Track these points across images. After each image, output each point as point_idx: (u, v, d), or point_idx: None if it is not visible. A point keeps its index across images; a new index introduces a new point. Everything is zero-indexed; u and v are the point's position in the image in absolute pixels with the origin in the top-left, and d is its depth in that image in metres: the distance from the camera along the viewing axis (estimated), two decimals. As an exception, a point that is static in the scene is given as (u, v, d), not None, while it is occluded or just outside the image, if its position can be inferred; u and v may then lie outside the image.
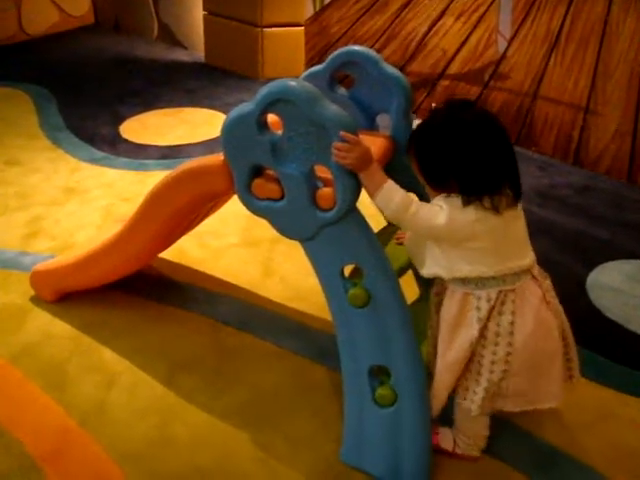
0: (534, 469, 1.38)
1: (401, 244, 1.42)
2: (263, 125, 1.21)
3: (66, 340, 1.73)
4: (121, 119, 3.31)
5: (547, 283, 1.27)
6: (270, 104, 1.17)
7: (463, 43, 3.10)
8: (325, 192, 1.21)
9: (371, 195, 1.20)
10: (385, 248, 1.35)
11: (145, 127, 3.19)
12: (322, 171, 1.20)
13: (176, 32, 4.44)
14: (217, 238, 2.21)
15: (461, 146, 1.14)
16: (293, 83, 1.16)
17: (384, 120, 1.56)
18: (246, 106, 1.20)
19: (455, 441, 1.38)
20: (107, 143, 3.08)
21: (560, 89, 2.87)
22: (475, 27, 3.01)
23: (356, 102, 1.58)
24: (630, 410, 1.55)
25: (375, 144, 1.36)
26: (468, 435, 1.36)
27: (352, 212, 1.21)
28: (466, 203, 1.15)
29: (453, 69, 3.21)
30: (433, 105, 1.27)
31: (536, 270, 1.25)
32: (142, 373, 1.62)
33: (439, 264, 1.23)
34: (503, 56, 3.00)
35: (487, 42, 3.02)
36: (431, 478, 1.32)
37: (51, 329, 1.78)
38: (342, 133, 1.14)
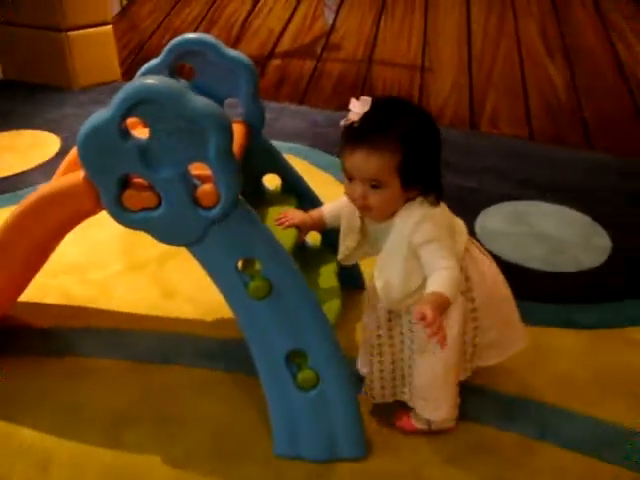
0: (499, 420, 1.44)
1: (282, 226, 1.45)
2: (125, 132, 1.14)
3: None
4: None
5: (474, 241, 1.37)
6: (130, 108, 1.10)
7: (289, 19, 3.10)
8: (206, 189, 1.16)
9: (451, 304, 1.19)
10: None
11: None
12: (197, 168, 1.18)
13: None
14: (99, 269, 2.02)
15: (438, 149, 1.22)
16: (152, 81, 1.10)
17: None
18: (101, 115, 1.12)
19: (429, 416, 1.38)
20: None
21: (394, 52, 3.00)
22: (299, 2, 3.00)
23: (200, 92, 1.54)
24: (565, 341, 1.65)
25: (236, 134, 1.32)
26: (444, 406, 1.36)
27: (237, 204, 1.20)
28: (436, 202, 1.22)
29: (283, 47, 3.22)
30: (362, 98, 1.22)
31: None
32: (77, 441, 1.43)
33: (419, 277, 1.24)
34: (332, 27, 3.04)
35: (314, 15, 3.04)
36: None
37: None
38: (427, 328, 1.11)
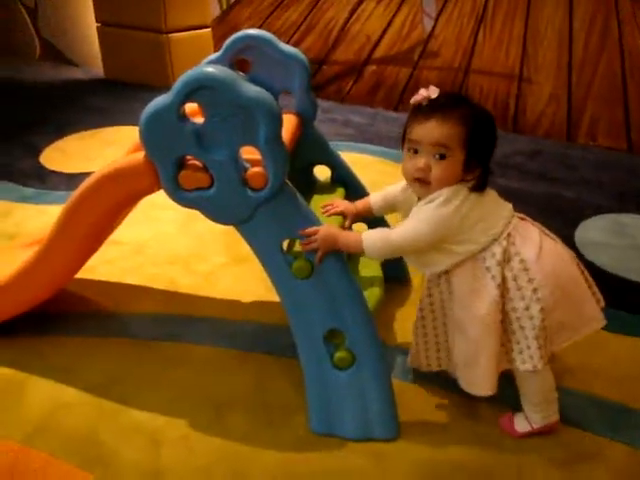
0: (611, 430, 1.43)
1: (327, 213, 1.56)
2: (183, 116, 1.25)
3: (84, 407, 1.55)
4: (37, 150, 3.21)
5: (538, 224, 1.41)
6: (188, 94, 1.21)
7: (388, 26, 3.21)
8: (255, 172, 1.27)
9: (360, 253, 1.38)
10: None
11: (68, 155, 3.11)
12: (248, 152, 1.30)
13: (63, 49, 4.27)
14: (203, 261, 2.13)
15: (495, 139, 1.33)
16: (210, 69, 1.22)
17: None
18: (163, 99, 1.24)
19: (528, 418, 1.41)
20: (33, 178, 2.91)
21: (492, 60, 3.04)
22: (399, 9, 3.12)
23: (257, 84, 1.68)
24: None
25: (285, 123, 1.44)
26: (539, 402, 1.39)
27: (284, 188, 1.30)
28: (480, 184, 1.31)
29: (379, 53, 3.31)
30: (431, 88, 1.32)
31: (519, 214, 1.40)
32: (186, 422, 1.50)
33: (443, 261, 1.34)
34: (431, 34, 3.14)
35: (412, 22, 3.14)
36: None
37: (60, 398, 1.57)
38: (301, 232, 1.31)
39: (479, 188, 1.30)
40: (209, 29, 3.72)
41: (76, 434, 1.46)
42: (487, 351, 1.33)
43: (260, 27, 3.59)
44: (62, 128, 3.38)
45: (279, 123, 1.23)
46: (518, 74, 2.98)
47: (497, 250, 1.29)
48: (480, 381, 1.37)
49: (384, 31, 3.21)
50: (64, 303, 1.91)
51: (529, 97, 3.01)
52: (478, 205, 1.29)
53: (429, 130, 1.27)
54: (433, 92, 1.28)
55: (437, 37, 3.10)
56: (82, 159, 3.03)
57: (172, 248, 2.20)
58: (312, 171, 1.80)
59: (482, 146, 1.30)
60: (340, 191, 1.74)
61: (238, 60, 1.67)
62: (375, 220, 1.65)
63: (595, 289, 1.39)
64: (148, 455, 1.40)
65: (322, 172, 1.82)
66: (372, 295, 1.54)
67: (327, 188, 1.76)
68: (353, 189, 1.76)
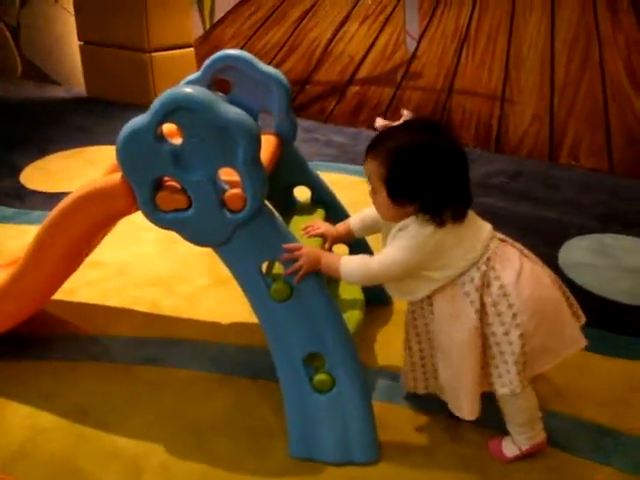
0: (599, 454, 1.43)
1: (307, 235, 1.57)
2: (160, 136, 1.25)
3: (63, 432, 1.52)
4: (17, 169, 3.23)
5: (518, 245, 1.41)
6: (166, 114, 1.21)
7: (371, 46, 3.25)
8: (233, 193, 1.28)
9: (339, 278, 1.39)
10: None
11: (49, 174, 3.11)
12: (226, 174, 1.31)
13: (45, 67, 4.25)
14: (186, 283, 2.11)
15: (439, 173, 1.28)
16: (189, 90, 1.21)
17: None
18: (140, 119, 1.24)
19: (515, 441, 1.40)
20: (13, 197, 2.87)
21: (474, 81, 3.08)
22: (382, 29, 3.17)
23: (237, 104, 1.69)
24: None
25: (264, 144, 1.45)
26: (523, 423, 1.39)
27: (262, 209, 1.30)
28: (434, 220, 1.29)
29: (363, 73, 3.34)
30: (404, 112, 1.33)
31: (499, 235, 1.40)
32: (166, 448, 1.46)
33: (422, 288, 1.35)
34: (414, 55, 3.17)
35: (396, 43, 3.17)
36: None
37: (38, 424, 1.54)
38: (285, 246, 1.31)
39: (441, 223, 1.27)
40: (192, 48, 3.73)
41: (55, 460, 1.44)
42: (468, 375, 1.33)
43: (243, 46, 3.61)
44: (44, 147, 3.38)
45: (258, 145, 1.24)
46: (501, 95, 3.01)
47: (476, 275, 1.29)
48: (464, 404, 1.37)
49: (367, 51, 3.23)
50: (43, 326, 1.90)
51: (512, 117, 3.04)
52: (453, 230, 1.29)
53: (365, 164, 1.34)
54: (383, 121, 1.32)
55: (420, 57, 3.13)
56: (64, 178, 3.01)
57: (154, 269, 2.20)
58: (292, 192, 1.80)
59: (406, 183, 1.27)
60: (320, 212, 1.74)
61: (218, 80, 1.67)
62: (356, 243, 1.66)
63: (576, 308, 1.40)
64: (129, 482, 1.41)
65: (302, 193, 1.82)
66: (353, 317, 1.54)
67: (307, 209, 1.76)
68: (333, 210, 1.76)
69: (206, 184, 1.26)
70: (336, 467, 1.40)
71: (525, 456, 1.41)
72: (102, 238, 1.86)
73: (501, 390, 1.33)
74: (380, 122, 1.38)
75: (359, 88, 3.36)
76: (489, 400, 1.37)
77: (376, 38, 3.18)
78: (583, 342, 1.37)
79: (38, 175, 3.06)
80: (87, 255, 1.85)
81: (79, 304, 2.01)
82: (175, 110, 1.20)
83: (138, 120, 1.24)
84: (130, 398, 1.62)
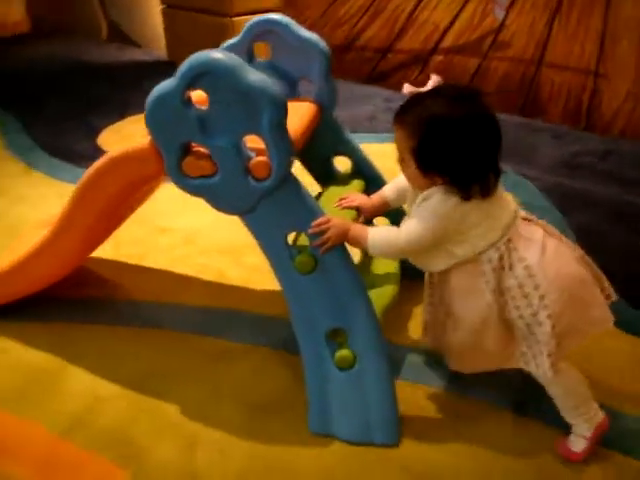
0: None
1: (343, 208, 1.52)
2: (188, 101, 1.24)
3: (120, 401, 1.54)
4: (96, 131, 3.25)
5: (542, 222, 1.36)
6: (193, 78, 1.20)
7: (457, 14, 3.07)
8: (259, 161, 1.26)
9: (366, 249, 1.35)
10: (330, 212, 1.42)
11: (126, 137, 3.14)
12: (253, 141, 1.28)
13: (128, 30, 4.28)
14: (254, 254, 2.09)
15: (473, 148, 1.22)
16: (215, 54, 1.21)
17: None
18: (168, 84, 1.23)
19: (578, 432, 1.34)
20: (89, 159, 2.87)
21: (566, 54, 2.93)
22: (469, -3, 2.98)
23: (276, 71, 1.67)
24: None
25: (301, 111, 1.46)
26: (576, 405, 1.34)
27: (289, 179, 1.29)
28: (461, 193, 1.24)
29: (447, 42, 3.21)
30: (432, 76, 1.25)
31: (523, 213, 1.35)
32: (223, 425, 1.46)
33: (442, 262, 1.33)
34: (502, 24, 2.98)
35: (483, 12, 3.01)
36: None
37: (97, 390, 1.57)
38: (314, 223, 1.28)
39: (467, 197, 1.23)
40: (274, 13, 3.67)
41: (112, 429, 1.47)
42: (478, 350, 1.34)
43: (325, 11, 3.55)
44: (124, 110, 3.40)
45: (283, 112, 1.20)
46: (594, 69, 2.85)
47: (494, 256, 1.27)
48: (467, 366, 1.41)
49: (453, 19, 3.11)
50: (103, 289, 1.94)
51: (605, 94, 2.87)
52: (477, 205, 1.25)
53: (394, 136, 1.30)
54: (411, 87, 1.25)
55: (509, 27, 2.99)
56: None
57: (223, 238, 2.19)
58: (332, 162, 1.76)
59: (437, 157, 1.22)
60: (357, 183, 1.69)
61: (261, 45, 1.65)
62: (395, 212, 1.62)
63: (605, 284, 1.35)
64: (183, 456, 1.39)
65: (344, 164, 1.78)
66: (386, 292, 1.51)
67: (346, 180, 1.71)
68: (372, 181, 1.71)
69: (231, 151, 1.24)
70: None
71: (595, 443, 1.35)
72: (143, 200, 1.87)
73: (536, 371, 1.31)
74: (408, 88, 1.30)
75: (443, 58, 3.25)
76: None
77: (463, 6, 3.05)
78: (610, 320, 1.33)
79: (115, 138, 3.09)
80: (125, 217, 1.86)
81: (147, 269, 2.04)
82: (201, 75, 1.19)
83: (166, 84, 1.23)
84: (189, 369, 1.64)
